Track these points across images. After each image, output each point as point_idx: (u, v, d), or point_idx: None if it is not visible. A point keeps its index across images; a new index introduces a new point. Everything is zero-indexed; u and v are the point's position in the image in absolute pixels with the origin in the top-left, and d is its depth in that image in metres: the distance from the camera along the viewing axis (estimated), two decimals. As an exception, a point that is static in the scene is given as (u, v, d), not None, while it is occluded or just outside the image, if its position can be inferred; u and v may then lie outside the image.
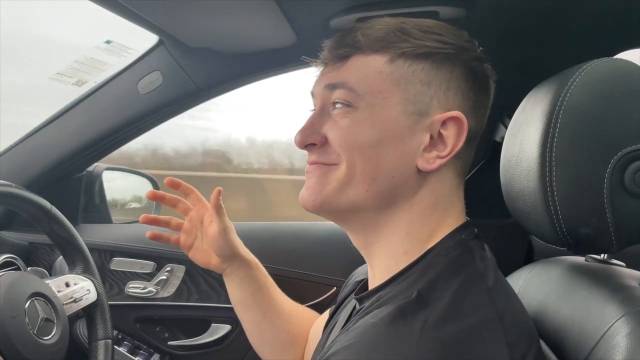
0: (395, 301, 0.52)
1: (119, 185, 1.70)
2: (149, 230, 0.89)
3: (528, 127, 0.63)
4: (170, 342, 1.31)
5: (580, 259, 0.73)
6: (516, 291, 0.77)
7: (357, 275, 0.85)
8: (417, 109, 0.58)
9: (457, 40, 0.60)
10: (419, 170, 0.59)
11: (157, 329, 1.32)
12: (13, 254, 1.18)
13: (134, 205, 1.71)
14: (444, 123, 0.58)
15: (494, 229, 1.16)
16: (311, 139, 0.62)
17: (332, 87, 0.61)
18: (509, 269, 0.85)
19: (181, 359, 1.31)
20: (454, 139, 0.58)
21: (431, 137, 0.58)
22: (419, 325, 0.48)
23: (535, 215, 0.62)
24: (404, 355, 0.46)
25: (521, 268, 0.83)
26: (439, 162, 0.58)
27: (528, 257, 1.21)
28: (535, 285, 0.74)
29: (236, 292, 0.92)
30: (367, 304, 0.59)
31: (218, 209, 0.85)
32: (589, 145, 0.57)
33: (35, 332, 0.76)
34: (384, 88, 0.59)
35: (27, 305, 0.77)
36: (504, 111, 1.12)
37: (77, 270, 0.95)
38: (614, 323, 0.53)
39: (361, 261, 0.70)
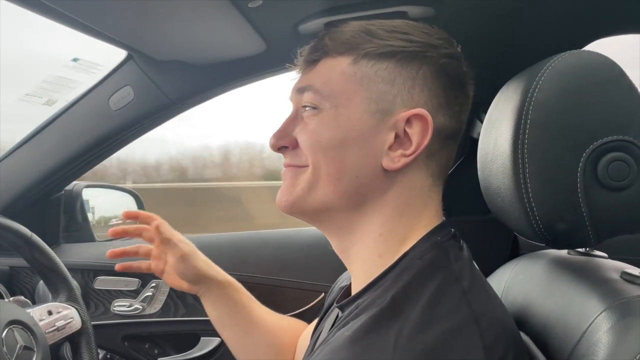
0: (371, 309, 0.52)
1: (101, 202, 1.69)
2: (118, 263, 0.88)
3: (501, 123, 0.63)
4: (160, 359, 1.29)
5: (563, 252, 0.73)
6: (502, 287, 0.76)
7: (341, 280, 0.84)
8: (381, 108, 0.58)
9: (426, 38, 0.60)
10: (385, 170, 0.58)
11: (146, 346, 1.30)
12: (-6, 280, 1.17)
13: (115, 221, 1.69)
14: (408, 121, 0.58)
15: (478, 225, 1.16)
16: (282, 142, 0.63)
17: (302, 90, 0.62)
18: (494, 265, 0.84)
19: (172, 375, 1.29)
20: (418, 137, 0.57)
21: (397, 135, 0.58)
22: (393, 336, 0.47)
23: (513, 212, 0.62)
24: None
25: (506, 263, 0.82)
26: (404, 160, 0.58)
27: (514, 251, 1.21)
28: (520, 281, 0.74)
29: (212, 312, 0.91)
30: (347, 311, 0.58)
31: (165, 243, 0.85)
32: (560, 139, 0.56)
33: None
34: (348, 88, 0.59)
35: (4, 333, 0.76)
36: (480, 107, 1.12)
37: (60, 299, 0.93)
38: (595, 318, 0.52)
39: None
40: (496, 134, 0.64)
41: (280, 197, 0.63)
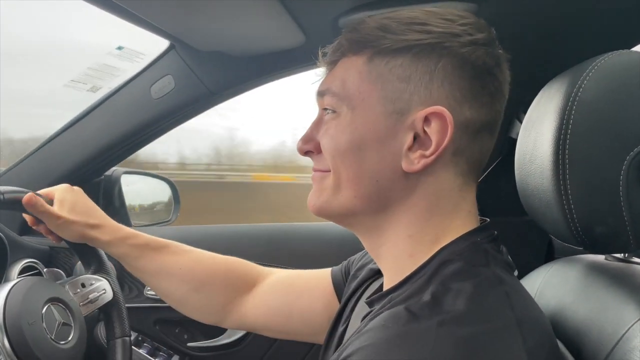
0: (408, 302, 0.51)
1: (138, 188, 1.72)
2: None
3: (541, 123, 0.62)
4: (189, 344, 1.32)
5: (600, 258, 0.71)
6: (535, 290, 0.75)
7: (359, 261, 0.83)
8: (397, 108, 0.56)
9: (447, 27, 0.56)
10: (406, 172, 0.56)
11: (177, 330, 1.33)
12: (34, 258, 1.21)
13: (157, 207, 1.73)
14: (426, 119, 0.55)
15: (514, 227, 1.14)
16: (307, 146, 0.63)
17: (321, 94, 0.61)
18: (529, 268, 0.83)
19: (200, 360, 1.32)
20: (438, 136, 0.54)
21: (417, 135, 0.55)
22: (434, 324, 0.46)
23: (550, 214, 0.61)
24: (420, 354, 0.45)
25: (540, 267, 0.81)
26: (424, 161, 0.55)
27: (548, 255, 1.19)
28: (554, 285, 0.73)
29: (128, 266, 0.92)
30: (378, 306, 0.58)
31: (36, 211, 0.84)
32: (603, 141, 0.55)
33: (52, 337, 0.77)
34: (363, 89, 0.57)
35: (44, 310, 0.78)
36: (519, 107, 1.10)
37: (91, 270, 0.96)
38: (632, 325, 0.51)
39: None
40: (536, 134, 0.63)
41: (309, 200, 0.63)
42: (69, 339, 0.80)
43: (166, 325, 1.32)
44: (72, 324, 0.82)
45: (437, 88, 0.55)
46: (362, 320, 0.64)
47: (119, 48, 1.12)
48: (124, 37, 1.11)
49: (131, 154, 1.34)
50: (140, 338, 1.32)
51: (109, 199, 1.50)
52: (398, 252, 0.59)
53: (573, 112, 0.56)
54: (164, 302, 1.27)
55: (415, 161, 0.55)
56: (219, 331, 1.31)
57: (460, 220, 0.58)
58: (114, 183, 1.50)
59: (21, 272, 1.15)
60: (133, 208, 1.64)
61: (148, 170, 1.76)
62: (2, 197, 0.80)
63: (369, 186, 0.58)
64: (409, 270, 0.56)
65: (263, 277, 0.93)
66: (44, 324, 0.77)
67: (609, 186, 0.54)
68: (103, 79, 1.20)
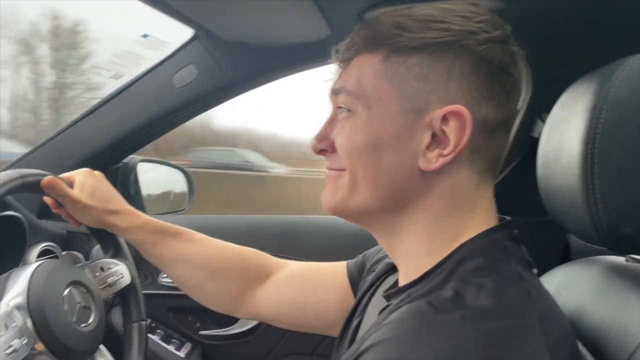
0: (429, 297, 0.51)
1: (154, 176, 1.73)
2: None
3: (568, 122, 0.61)
4: (201, 332, 1.33)
5: (619, 259, 0.71)
6: (552, 290, 0.75)
7: (375, 256, 0.83)
8: (415, 107, 0.55)
9: (464, 25, 0.55)
10: (424, 171, 0.56)
11: (189, 318, 1.35)
12: (52, 242, 1.22)
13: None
14: (444, 118, 0.54)
15: (530, 226, 1.13)
16: (321, 145, 0.63)
17: (336, 92, 0.61)
18: (545, 268, 0.83)
19: (212, 348, 1.33)
20: (456, 135, 0.54)
21: (435, 134, 0.55)
22: (457, 318, 0.46)
23: (574, 213, 0.61)
24: (443, 348, 0.45)
25: (557, 267, 0.81)
26: (442, 160, 0.55)
27: (565, 256, 1.18)
28: (572, 286, 0.73)
29: (144, 252, 0.92)
30: (395, 301, 0.58)
31: (56, 194, 0.84)
32: (634, 141, 0.54)
33: (74, 320, 0.78)
34: (379, 88, 0.57)
35: (65, 293, 0.79)
36: (541, 106, 1.09)
37: (110, 254, 0.96)
38: None
39: None
40: (562, 133, 0.63)
41: (324, 199, 0.63)
42: (89, 321, 0.81)
43: (179, 313, 1.34)
44: (93, 307, 0.83)
45: (454, 86, 0.55)
46: (379, 314, 0.64)
47: (145, 36, 1.13)
48: (149, 26, 1.12)
49: (151, 142, 1.35)
50: (153, 325, 1.33)
51: (126, 186, 1.51)
52: (415, 250, 0.59)
53: (603, 112, 0.56)
54: (178, 290, 1.29)
55: (433, 160, 0.55)
56: (232, 320, 1.32)
57: (478, 218, 0.58)
58: (131, 170, 1.51)
59: (39, 255, 1.17)
60: (148, 196, 1.65)
61: (164, 159, 1.77)
62: (24, 179, 0.81)
63: (385, 185, 0.58)
64: (426, 267, 0.56)
65: (277, 268, 0.92)
66: (65, 306, 0.77)
67: (638, 187, 0.54)
68: (126, 66, 1.21)
